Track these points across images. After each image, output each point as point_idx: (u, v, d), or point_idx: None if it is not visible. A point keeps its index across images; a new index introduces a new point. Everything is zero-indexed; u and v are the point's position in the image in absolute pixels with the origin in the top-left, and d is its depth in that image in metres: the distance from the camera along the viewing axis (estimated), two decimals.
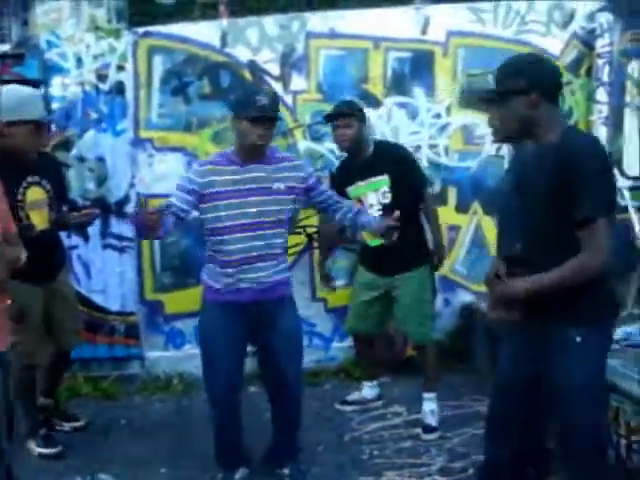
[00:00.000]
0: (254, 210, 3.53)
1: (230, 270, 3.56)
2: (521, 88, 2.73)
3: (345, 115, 4.44)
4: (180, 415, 4.85)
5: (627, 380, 3.64)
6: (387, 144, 4.75)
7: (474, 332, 5.32)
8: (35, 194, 3.98)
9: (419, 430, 4.43)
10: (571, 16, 5.57)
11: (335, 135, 4.53)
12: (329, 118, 4.55)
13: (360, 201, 4.47)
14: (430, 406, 4.52)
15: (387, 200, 4.42)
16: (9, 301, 2.98)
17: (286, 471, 3.89)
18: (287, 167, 3.66)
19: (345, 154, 4.64)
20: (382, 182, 4.44)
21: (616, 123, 5.62)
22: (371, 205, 4.47)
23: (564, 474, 2.91)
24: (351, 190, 4.52)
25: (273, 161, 3.65)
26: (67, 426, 4.55)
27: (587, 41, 5.59)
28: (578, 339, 2.70)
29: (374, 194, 4.48)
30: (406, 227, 4.22)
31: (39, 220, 3.97)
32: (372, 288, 4.62)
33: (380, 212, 4.37)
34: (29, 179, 3.95)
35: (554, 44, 5.58)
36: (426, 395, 4.55)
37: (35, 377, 4.19)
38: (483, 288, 3.14)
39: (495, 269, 2.87)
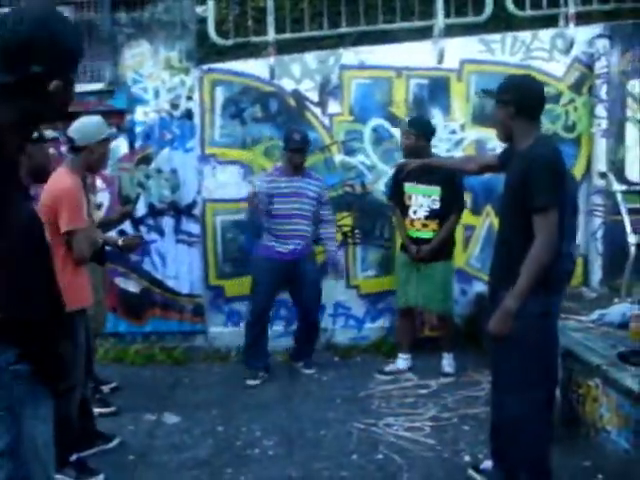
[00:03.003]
0: (295, 206, 5.50)
1: (278, 239, 5.54)
2: (505, 100, 3.40)
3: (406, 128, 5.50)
4: (232, 378, 5.80)
5: (583, 348, 4.45)
6: None
7: (484, 318, 6.09)
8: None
9: (424, 391, 5.31)
10: (572, 42, 6.20)
11: (400, 142, 5.66)
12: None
13: (410, 197, 5.53)
14: (448, 360, 5.62)
15: (436, 207, 5.46)
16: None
17: (301, 364, 5.87)
18: (314, 183, 5.61)
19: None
20: (434, 191, 5.45)
21: (617, 135, 6.24)
22: (421, 205, 5.51)
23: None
24: (407, 186, 5.54)
25: (307, 177, 5.60)
26: (106, 388, 5.37)
27: (587, 63, 6.24)
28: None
29: (424, 198, 5.48)
30: (441, 226, 5.46)
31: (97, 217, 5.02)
32: (409, 268, 5.62)
33: (427, 214, 5.49)
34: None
35: (557, 68, 6.25)
36: (445, 354, 5.66)
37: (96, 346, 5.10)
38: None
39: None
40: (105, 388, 5.37)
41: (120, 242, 4.48)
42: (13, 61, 1.86)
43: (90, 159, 4.06)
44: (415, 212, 5.53)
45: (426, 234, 5.50)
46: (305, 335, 5.92)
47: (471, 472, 3.86)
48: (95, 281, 4.71)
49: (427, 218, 5.50)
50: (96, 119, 4.20)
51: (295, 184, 5.56)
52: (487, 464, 3.81)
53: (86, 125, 4.07)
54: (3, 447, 1.93)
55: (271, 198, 5.49)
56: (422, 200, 5.51)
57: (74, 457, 3.83)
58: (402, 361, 5.78)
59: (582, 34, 6.24)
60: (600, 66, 6.21)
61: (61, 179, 3.86)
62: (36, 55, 1.87)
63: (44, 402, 2.08)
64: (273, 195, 5.50)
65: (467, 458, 4.12)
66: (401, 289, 5.74)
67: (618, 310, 5.01)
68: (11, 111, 1.90)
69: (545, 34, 6.27)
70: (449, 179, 5.36)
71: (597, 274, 6.30)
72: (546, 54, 6.28)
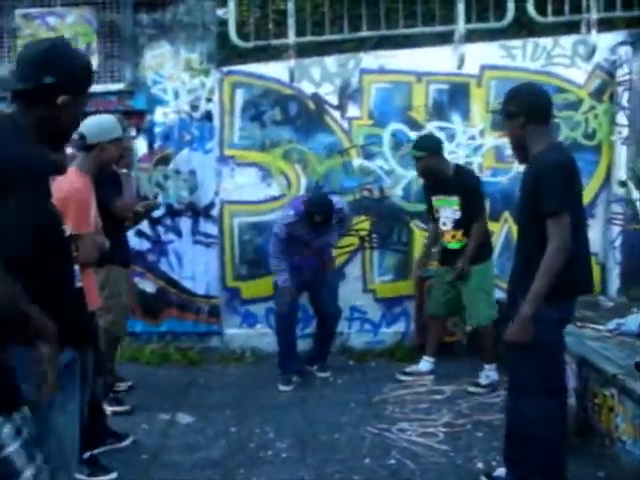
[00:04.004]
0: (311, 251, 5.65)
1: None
2: (513, 113, 3.39)
3: (416, 157, 5.46)
4: (247, 379, 5.85)
5: (599, 357, 4.40)
6: (466, 170, 5.64)
7: (503, 324, 6.08)
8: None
9: (438, 397, 5.28)
10: (594, 49, 6.15)
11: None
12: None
13: (437, 210, 5.54)
14: (487, 372, 5.43)
15: (457, 216, 5.43)
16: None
17: (315, 367, 5.86)
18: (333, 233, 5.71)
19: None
20: (454, 202, 5.44)
21: (638, 143, 6.16)
22: (447, 216, 5.49)
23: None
24: (434, 199, 5.56)
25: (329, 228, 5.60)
26: (123, 385, 5.43)
27: (609, 71, 6.19)
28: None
29: (449, 208, 5.47)
30: (465, 236, 5.41)
31: None
32: (447, 280, 5.56)
33: (452, 225, 5.47)
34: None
35: (578, 75, 6.22)
36: (486, 366, 5.46)
37: (116, 349, 5.07)
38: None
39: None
40: (122, 386, 5.40)
41: (139, 207, 4.59)
42: (29, 71, 2.11)
43: (103, 157, 3.95)
44: (444, 224, 5.52)
45: (455, 245, 5.50)
46: (322, 340, 5.93)
47: (483, 479, 3.84)
48: (119, 286, 4.80)
49: (453, 229, 5.50)
50: (110, 117, 4.17)
51: (315, 238, 5.58)
52: (500, 471, 3.78)
53: (100, 122, 4.02)
54: (34, 436, 2.01)
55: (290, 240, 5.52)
56: (445, 212, 5.51)
57: (87, 454, 3.84)
58: (426, 363, 5.75)
59: (604, 41, 6.20)
60: (622, 73, 6.17)
61: (70, 179, 3.58)
62: (49, 67, 2.10)
63: (73, 398, 2.16)
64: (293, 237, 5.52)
65: (480, 465, 4.09)
66: (436, 299, 5.72)
67: (636, 319, 4.95)
68: (27, 117, 2.12)
69: (567, 40, 6.24)
70: (465, 187, 5.38)
71: (615, 283, 6.26)
72: (567, 60, 6.25)
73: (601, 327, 5.09)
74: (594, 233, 6.17)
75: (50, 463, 2.06)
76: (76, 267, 2.76)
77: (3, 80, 2.51)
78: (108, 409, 4.80)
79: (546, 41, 6.25)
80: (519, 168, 6.17)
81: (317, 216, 5.39)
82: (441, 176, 5.42)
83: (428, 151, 5.37)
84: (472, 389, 5.38)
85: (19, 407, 1.97)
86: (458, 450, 4.32)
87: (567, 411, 3.63)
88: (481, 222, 5.51)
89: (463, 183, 5.39)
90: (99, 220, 3.87)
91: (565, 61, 6.25)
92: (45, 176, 2.08)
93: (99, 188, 3.95)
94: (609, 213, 6.28)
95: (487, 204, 6.07)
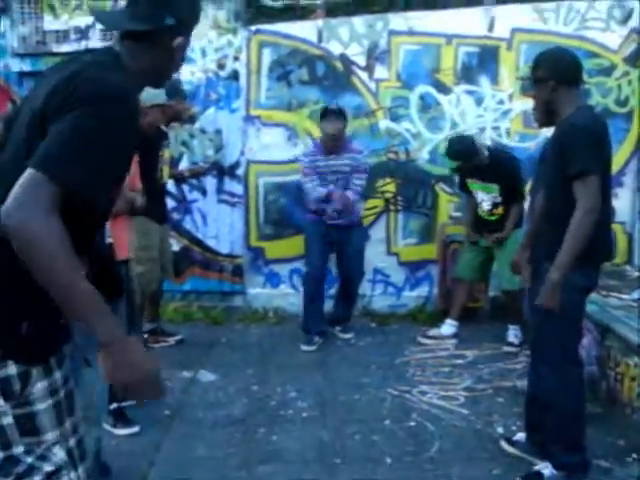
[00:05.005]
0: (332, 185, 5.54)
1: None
2: (542, 78, 3.34)
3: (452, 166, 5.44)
4: (269, 338, 5.90)
5: (622, 326, 4.38)
6: (502, 157, 5.48)
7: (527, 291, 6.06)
8: (166, 154, 5.15)
9: (460, 361, 5.29)
10: (630, 13, 6.02)
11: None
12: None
13: (474, 192, 5.53)
14: (514, 331, 5.53)
15: (498, 201, 5.43)
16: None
17: (338, 328, 5.89)
18: (348, 156, 5.53)
19: None
20: (494, 189, 5.42)
21: None
22: (482, 199, 5.50)
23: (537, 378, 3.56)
24: (469, 182, 5.53)
25: (345, 151, 5.53)
26: (172, 340, 5.61)
27: None
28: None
29: (486, 194, 5.45)
30: (508, 209, 5.41)
31: (166, 173, 5.16)
32: (479, 246, 5.63)
33: (490, 207, 5.48)
34: (165, 142, 5.11)
35: (613, 39, 6.08)
36: (511, 326, 5.55)
37: (145, 303, 5.19)
38: None
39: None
40: (170, 340, 5.61)
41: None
42: (149, 10, 1.92)
43: (143, 121, 4.06)
44: (482, 203, 5.52)
45: (492, 217, 5.51)
46: (344, 301, 5.94)
47: (503, 443, 3.84)
48: (151, 240, 4.93)
49: (492, 210, 5.49)
50: None
51: (331, 162, 5.53)
52: (520, 436, 3.80)
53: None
54: (72, 387, 1.95)
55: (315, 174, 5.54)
56: (483, 196, 5.50)
57: (114, 405, 3.90)
58: (449, 327, 5.77)
59: None
60: None
61: None
62: (173, 8, 1.93)
63: None
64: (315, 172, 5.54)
65: (500, 430, 4.10)
66: (466, 262, 5.73)
67: None
68: (139, 59, 1.94)
69: (602, 4, 6.10)
70: (505, 175, 5.35)
71: None
72: (602, 24, 6.11)
73: (625, 296, 5.06)
74: (622, 202, 6.13)
75: (79, 431, 1.96)
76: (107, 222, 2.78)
77: (110, 18, 2.30)
78: None
79: (580, 4, 6.11)
80: (547, 133, 6.18)
81: (333, 105, 5.53)
82: (479, 163, 5.35)
83: (463, 158, 5.31)
84: (507, 349, 5.46)
85: (58, 358, 1.89)
86: (478, 414, 4.32)
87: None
88: (521, 203, 5.49)
89: (502, 171, 5.33)
90: (138, 181, 3.93)
91: (600, 25, 6.11)
92: (137, 118, 1.93)
93: (140, 149, 4.01)
94: (638, 182, 6.18)
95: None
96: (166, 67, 2.03)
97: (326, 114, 5.44)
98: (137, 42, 1.94)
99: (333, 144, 5.48)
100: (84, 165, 1.67)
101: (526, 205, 5.40)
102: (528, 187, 5.67)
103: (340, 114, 5.45)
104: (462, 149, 5.33)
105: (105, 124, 1.72)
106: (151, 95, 4.06)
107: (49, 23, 6.25)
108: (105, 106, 1.73)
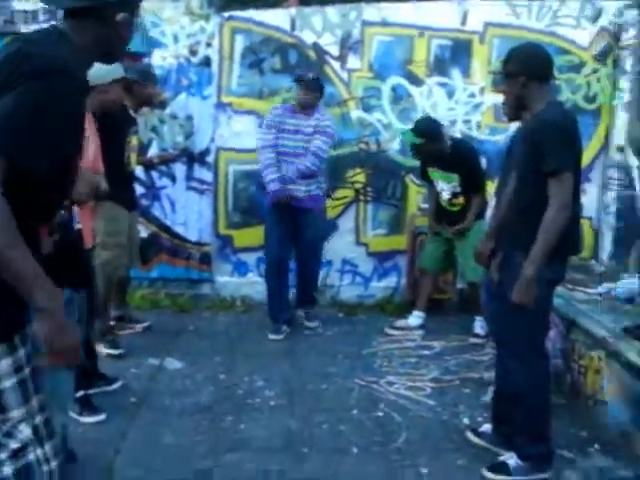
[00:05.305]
0: (299, 144, 5.45)
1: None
2: (514, 72, 3.35)
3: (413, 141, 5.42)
4: (236, 326, 5.87)
5: (587, 320, 4.45)
6: (463, 147, 5.54)
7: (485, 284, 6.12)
8: (134, 140, 5.05)
9: (427, 352, 5.31)
10: (600, 11, 6.09)
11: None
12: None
13: (434, 180, 5.58)
14: (480, 323, 5.51)
15: (457, 190, 5.49)
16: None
17: (302, 313, 5.87)
18: (314, 117, 5.46)
19: None
20: (453, 179, 5.47)
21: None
22: (442, 189, 5.56)
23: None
24: (430, 171, 5.58)
25: (312, 114, 5.46)
26: (139, 327, 5.56)
27: (615, 34, 6.11)
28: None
29: (446, 183, 5.50)
30: (469, 199, 5.47)
31: (134, 160, 5.07)
32: (441, 237, 5.68)
33: (449, 196, 5.53)
34: (133, 129, 5.01)
35: (583, 36, 6.14)
36: (477, 318, 5.55)
37: (112, 289, 5.10)
38: None
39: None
40: (138, 327, 5.57)
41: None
42: None
43: (105, 100, 3.98)
44: (442, 192, 5.59)
45: (453, 208, 5.57)
46: (303, 285, 5.90)
47: (469, 434, 3.89)
48: (118, 226, 4.86)
49: (452, 199, 5.55)
50: None
51: (295, 121, 5.48)
52: (486, 427, 3.84)
53: (97, 65, 3.99)
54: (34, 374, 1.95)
55: (277, 132, 5.47)
56: (443, 185, 5.55)
57: (80, 393, 3.86)
58: (415, 318, 5.79)
59: (611, 3, 6.12)
60: (627, 37, 6.09)
61: None
62: None
63: None
64: (279, 129, 5.47)
65: (466, 420, 4.14)
66: (429, 253, 5.78)
67: (626, 284, 4.99)
68: (82, 35, 1.99)
69: (574, 1, 6.15)
70: (464, 165, 5.41)
71: (608, 248, 6.27)
72: (573, 21, 6.17)
73: (591, 290, 5.13)
74: (589, 197, 6.20)
75: (46, 410, 1.98)
76: (75, 208, 2.73)
77: None
78: (103, 351, 4.86)
79: (553, 1, 6.16)
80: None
81: (308, 71, 5.57)
82: (441, 153, 5.41)
83: (428, 137, 5.33)
84: (473, 340, 5.51)
85: (22, 336, 1.90)
86: (445, 405, 4.36)
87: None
88: (481, 195, 5.54)
89: (461, 161, 5.39)
90: (101, 165, 3.86)
91: (570, 21, 6.17)
92: (83, 92, 1.99)
93: (105, 129, 3.95)
94: (605, 178, 6.27)
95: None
96: (112, 43, 2.07)
97: (300, 82, 5.44)
98: (80, 19, 1.98)
99: (302, 109, 5.48)
100: (26, 136, 1.74)
101: (489, 197, 5.48)
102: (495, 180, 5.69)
103: (315, 85, 5.45)
104: (429, 128, 5.38)
105: (48, 97, 1.78)
106: (105, 71, 3.98)
107: (18, 3, 6.13)
108: (47, 80, 1.78)
